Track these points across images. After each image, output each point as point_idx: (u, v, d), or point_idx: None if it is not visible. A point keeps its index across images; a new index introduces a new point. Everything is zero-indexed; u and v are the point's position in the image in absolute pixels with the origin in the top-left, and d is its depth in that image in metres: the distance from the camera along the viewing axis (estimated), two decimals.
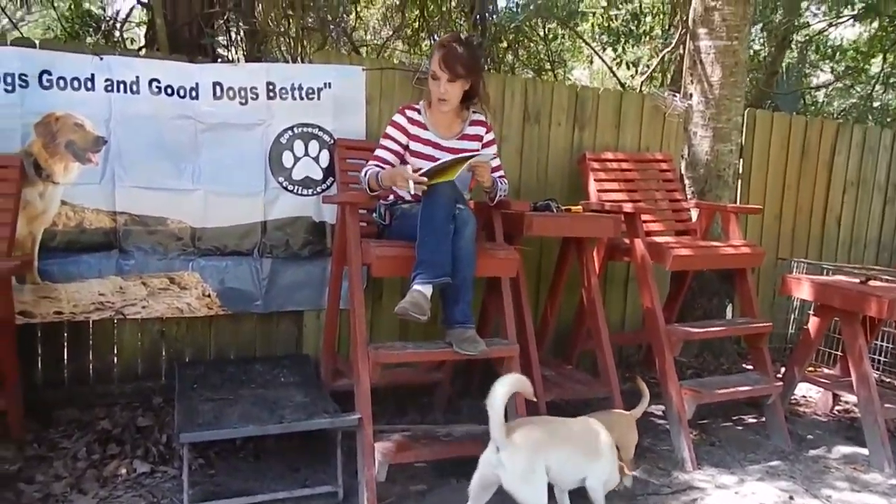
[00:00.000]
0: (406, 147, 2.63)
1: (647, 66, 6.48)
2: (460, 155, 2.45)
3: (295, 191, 2.97)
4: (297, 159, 2.96)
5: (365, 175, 2.55)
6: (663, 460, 2.75)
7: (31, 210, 2.63)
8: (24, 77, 2.57)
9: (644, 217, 3.12)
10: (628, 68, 6.81)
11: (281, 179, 2.95)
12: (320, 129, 2.98)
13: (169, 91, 2.76)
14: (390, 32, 6.37)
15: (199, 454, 2.47)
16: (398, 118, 2.64)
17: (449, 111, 2.63)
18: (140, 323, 2.89)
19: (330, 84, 2.98)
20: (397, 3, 6.02)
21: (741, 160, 4.00)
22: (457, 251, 2.34)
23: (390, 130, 2.64)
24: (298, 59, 3.41)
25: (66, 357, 2.83)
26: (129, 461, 2.41)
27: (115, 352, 2.89)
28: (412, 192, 2.33)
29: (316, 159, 2.99)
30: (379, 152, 2.61)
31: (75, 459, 2.40)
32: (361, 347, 2.30)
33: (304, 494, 2.30)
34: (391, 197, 2.68)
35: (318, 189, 3.00)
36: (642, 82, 6.19)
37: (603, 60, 7.00)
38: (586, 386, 2.91)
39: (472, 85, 2.59)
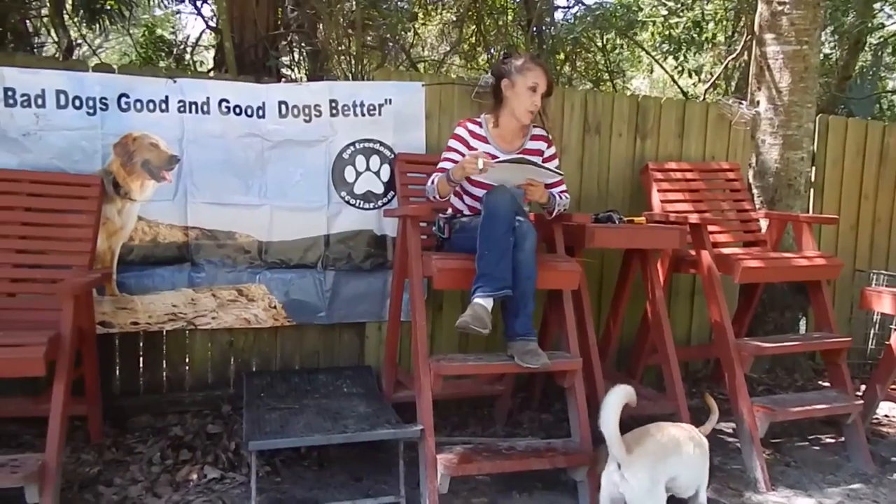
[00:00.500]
0: None
1: (711, 74, 6.31)
2: (529, 158, 2.42)
3: (357, 205, 3.03)
4: (358, 174, 3.02)
5: (432, 183, 2.57)
6: (734, 480, 2.64)
7: (111, 226, 2.77)
8: (104, 101, 2.72)
9: (711, 228, 3.03)
10: (690, 76, 6.64)
11: (343, 194, 3.01)
12: (381, 144, 3.04)
13: (237, 111, 2.87)
14: (448, 48, 6.44)
15: (265, 461, 2.53)
16: (460, 131, 2.66)
17: (521, 124, 2.63)
18: (210, 333, 2.99)
19: (390, 100, 3.03)
20: (454, 19, 6.09)
21: (813, 168, 3.85)
22: (517, 264, 2.33)
23: (452, 143, 2.65)
24: (359, 76, 3.49)
25: (141, 366, 2.96)
26: (200, 467, 2.49)
27: (187, 361, 3.01)
28: (480, 169, 2.31)
29: (377, 174, 3.04)
30: (443, 164, 2.62)
31: (150, 464, 2.50)
32: (423, 359, 2.31)
33: None
34: (449, 210, 2.70)
35: (380, 203, 3.05)
36: (706, 90, 6.03)
37: (664, 69, 6.86)
38: (652, 401, 2.82)
39: None
